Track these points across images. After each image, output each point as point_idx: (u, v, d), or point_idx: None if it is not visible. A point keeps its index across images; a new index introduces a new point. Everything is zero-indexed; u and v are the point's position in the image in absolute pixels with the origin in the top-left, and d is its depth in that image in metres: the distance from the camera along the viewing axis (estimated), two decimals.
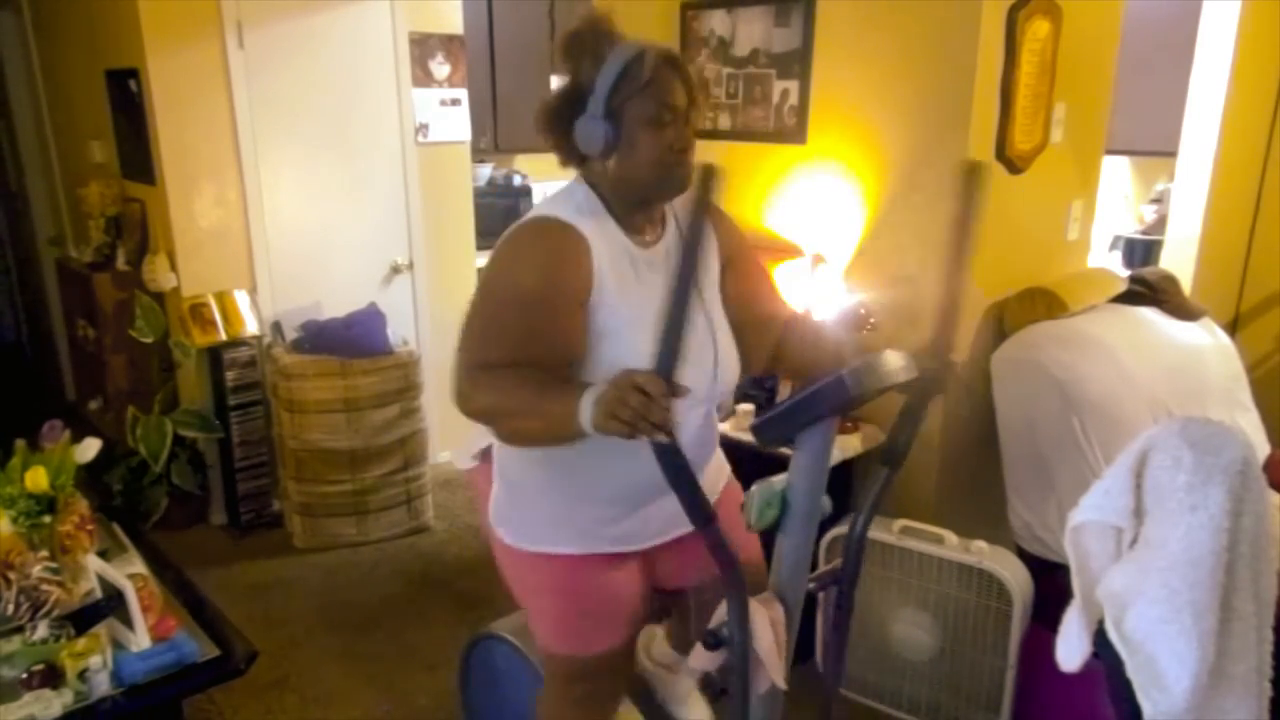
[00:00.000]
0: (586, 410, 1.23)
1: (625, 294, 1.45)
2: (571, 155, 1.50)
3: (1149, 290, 2.82)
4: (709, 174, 1.19)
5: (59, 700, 1.71)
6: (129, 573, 1.95)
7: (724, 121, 2.86)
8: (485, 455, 1.70)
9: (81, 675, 1.75)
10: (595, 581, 1.61)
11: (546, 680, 1.78)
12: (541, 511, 1.59)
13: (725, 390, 1.60)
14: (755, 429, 1.35)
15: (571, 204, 1.48)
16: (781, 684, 1.37)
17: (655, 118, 1.40)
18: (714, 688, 1.86)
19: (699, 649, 1.39)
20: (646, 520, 1.59)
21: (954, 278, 1.40)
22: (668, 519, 1.54)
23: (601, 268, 1.44)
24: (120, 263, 3.74)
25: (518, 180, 4.82)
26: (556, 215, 1.46)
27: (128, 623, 1.85)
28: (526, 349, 1.38)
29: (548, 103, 1.47)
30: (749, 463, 1.81)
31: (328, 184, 3.74)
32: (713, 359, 1.54)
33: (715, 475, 1.71)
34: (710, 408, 1.62)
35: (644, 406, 1.15)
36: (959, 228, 1.35)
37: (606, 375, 1.25)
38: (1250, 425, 2.74)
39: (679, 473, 1.24)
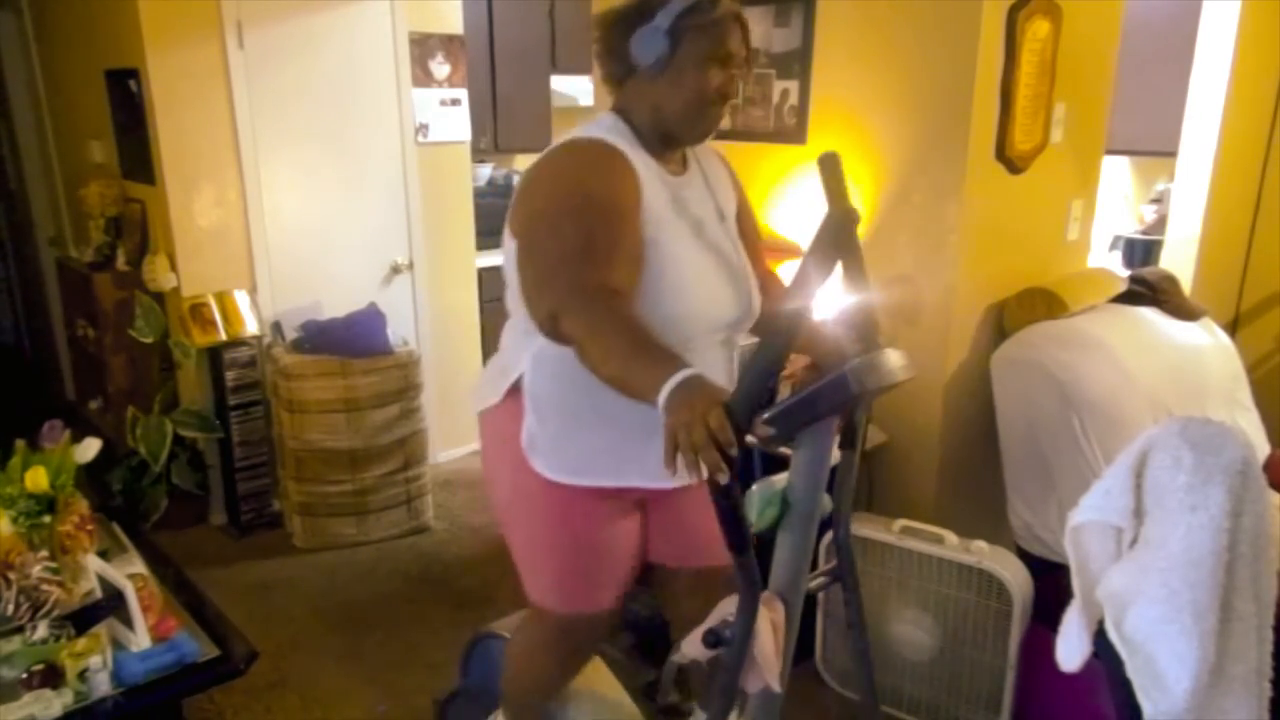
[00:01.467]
0: (666, 397, 1.16)
1: (665, 216, 1.49)
2: (619, 66, 1.52)
3: (1149, 290, 2.82)
4: (830, 161, 1.30)
5: (59, 700, 1.71)
6: (129, 573, 1.95)
7: (724, 121, 2.85)
8: (508, 394, 1.62)
9: (81, 675, 1.75)
10: (612, 527, 1.63)
11: (530, 635, 1.78)
12: (578, 441, 1.57)
13: (749, 318, 1.62)
14: (756, 428, 1.35)
15: (601, 129, 1.51)
16: (776, 687, 1.37)
17: (709, 56, 1.45)
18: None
19: (694, 639, 1.38)
20: None
21: (848, 253, 1.40)
22: None
23: (647, 189, 1.47)
24: (120, 263, 3.74)
25: (517, 180, 4.82)
26: (596, 136, 1.49)
27: (128, 623, 1.85)
28: (608, 251, 1.37)
29: (614, 6, 1.50)
30: (749, 462, 1.81)
31: (328, 184, 3.74)
32: (748, 280, 1.59)
33: None
34: (733, 347, 1.65)
35: (703, 441, 1.09)
36: (833, 213, 1.35)
37: (654, 298, 1.32)
38: (1250, 425, 2.74)
39: (727, 508, 1.21)
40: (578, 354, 1.31)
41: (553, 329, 1.35)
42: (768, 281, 1.72)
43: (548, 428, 1.58)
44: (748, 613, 1.32)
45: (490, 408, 1.65)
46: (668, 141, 1.55)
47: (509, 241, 1.54)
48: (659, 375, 1.17)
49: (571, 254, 1.36)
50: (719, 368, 1.60)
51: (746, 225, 1.70)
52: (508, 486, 1.67)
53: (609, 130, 1.51)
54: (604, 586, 1.67)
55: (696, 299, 1.51)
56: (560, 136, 1.55)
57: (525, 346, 1.56)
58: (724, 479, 1.12)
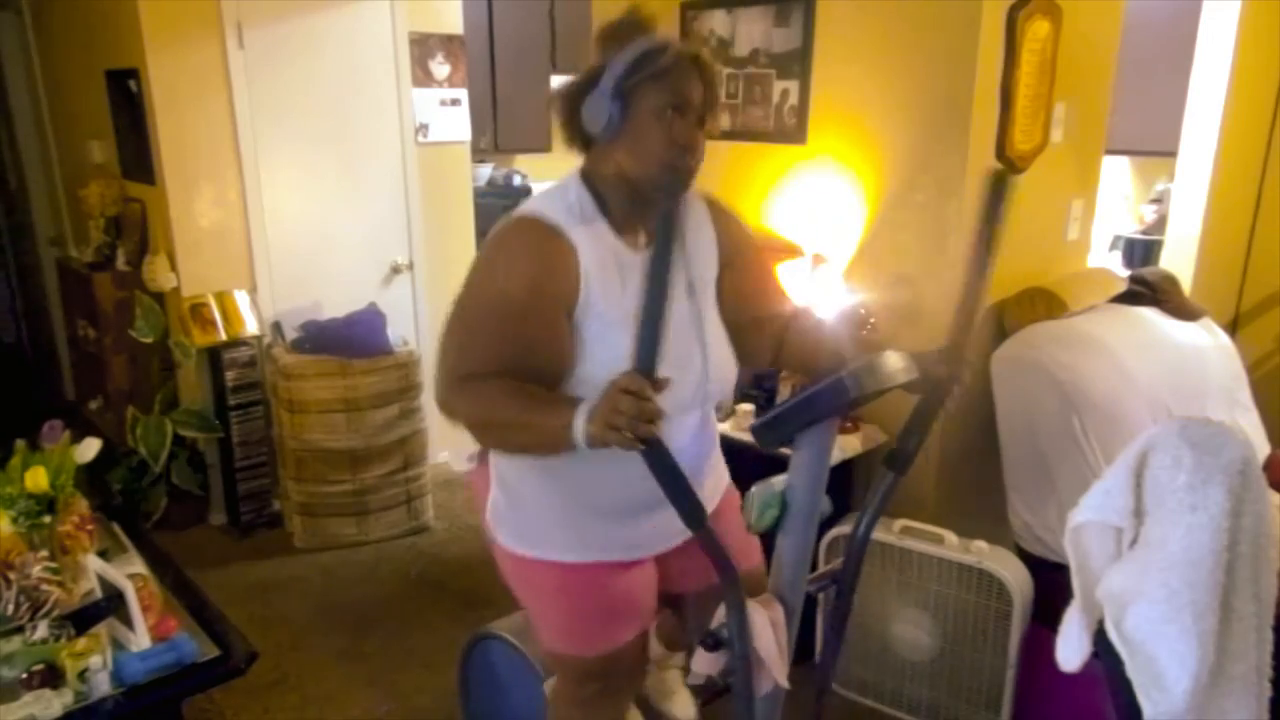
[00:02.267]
0: (580, 425, 1.22)
1: (610, 299, 1.42)
2: (576, 136, 1.46)
3: (1149, 290, 2.82)
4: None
5: (59, 700, 1.70)
6: (129, 573, 1.95)
7: (724, 121, 2.86)
8: (483, 456, 1.69)
9: (81, 675, 1.75)
10: (598, 585, 1.58)
11: (558, 680, 1.76)
12: (540, 518, 1.57)
13: (720, 392, 1.58)
14: (755, 430, 1.35)
15: (563, 203, 1.45)
16: (784, 683, 1.37)
17: (664, 106, 1.37)
18: (713, 688, 1.86)
19: (700, 653, 1.38)
20: (649, 529, 1.56)
21: (973, 285, 1.37)
22: (672, 527, 1.47)
23: (588, 273, 1.40)
24: (120, 263, 3.74)
25: (518, 180, 4.82)
26: (545, 215, 1.42)
27: (128, 623, 1.85)
28: (512, 359, 1.36)
29: (566, 84, 1.46)
30: (749, 463, 1.80)
31: (328, 184, 3.74)
32: (701, 361, 1.51)
33: (716, 481, 1.68)
34: (706, 412, 1.59)
35: (634, 408, 1.15)
36: (982, 236, 1.33)
37: (592, 382, 1.24)
38: (1250, 425, 2.74)
39: (669, 473, 1.24)
40: (482, 439, 1.37)
41: (447, 414, 1.40)
42: (791, 321, 1.63)
43: (511, 501, 1.60)
44: (735, 603, 1.32)
45: (472, 470, 1.70)
46: (637, 206, 1.46)
47: None
48: (561, 420, 1.24)
49: (463, 348, 1.40)
50: (685, 436, 1.52)
51: (747, 263, 1.61)
52: (495, 548, 1.67)
53: (568, 207, 1.44)
54: (608, 630, 1.62)
55: None
56: (523, 204, 1.51)
57: None
58: (655, 437, 1.19)
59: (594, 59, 1.42)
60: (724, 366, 1.55)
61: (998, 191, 1.32)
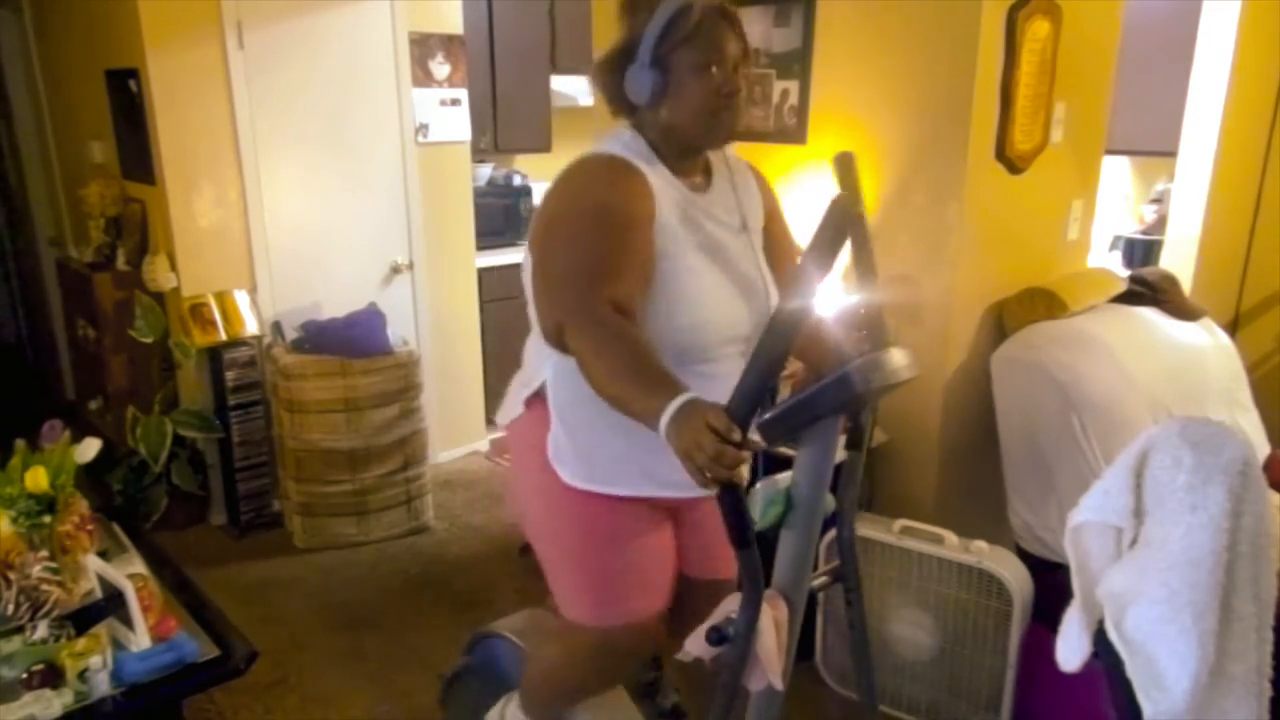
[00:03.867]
0: (665, 424, 1.18)
1: (679, 239, 1.49)
2: (623, 105, 1.54)
3: (1149, 290, 2.82)
4: (846, 160, 1.31)
5: (59, 700, 1.70)
6: (129, 573, 1.95)
7: None
8: (530, 404, 1.63)
9: (81, 675, 1.75)
10: (642, 534, 1.61)
11: (564, 649, 1.75)
12: (607, 449, 1.56)
13: None
14: (760, 426, 1.35)
15: (619, 144, 1.52)
16: (779, 685, 1.37)
17: (702, 64, 1.44)
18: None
19: (697, 637, 1.38)
20: None
21: (865, 256, 1.42)
22: None
23: (662, 205, 1.48)
24: (120, 263, 3.73)
25: (518, 180, 4.82)
26: (616, 152, 1.50)
27: (128, 623, 1.85)
28: (617, 265, 1.38)
29: (603, 53, 1.52)
30: (752, 461, 1.80)
31: (328, 184, 3.74)
32: (764, 289, 1.59)
33: None
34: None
35: (716, 449, 1.11)
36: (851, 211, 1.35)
37: (662, 315, 1.32)
38: (1250, 425, 2.74)
39: (734, 507, 1.22)
40: (581, 369, 1.33)
41: (558, 342, 1.38)
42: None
43: (573, 436, 1.58)
44: (751, 609, 1.32)
45: (516, 419, 1.67)
46: (687, 153, 1.55)
47: (528, 255, 1.55)
48: (657, 402, 1.19)
49: (580, 269, 1.38)
50: (730, 382, 1.56)
51: (777, 234, 1.70)
52: (536, 498, 1.66)
53: (626, 147, 1.52)
54: (636, 597, 1.63)
55: (709, 311, 1.51)
56: (570, 141, 1.56)
57: (547, 356, 1.56)
58: (732, 486, 1.16)
59: (622, 28, 1.50)
60: (772, 304, 1.60)
61: (846, 169, 1.39)
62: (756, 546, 1.28)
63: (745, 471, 1.17)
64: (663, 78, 1.45)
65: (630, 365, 1.28)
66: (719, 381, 1.48)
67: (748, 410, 1.15)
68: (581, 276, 1.37)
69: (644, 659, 1.82)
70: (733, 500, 1.21)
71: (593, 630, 1.65)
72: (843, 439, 1.42)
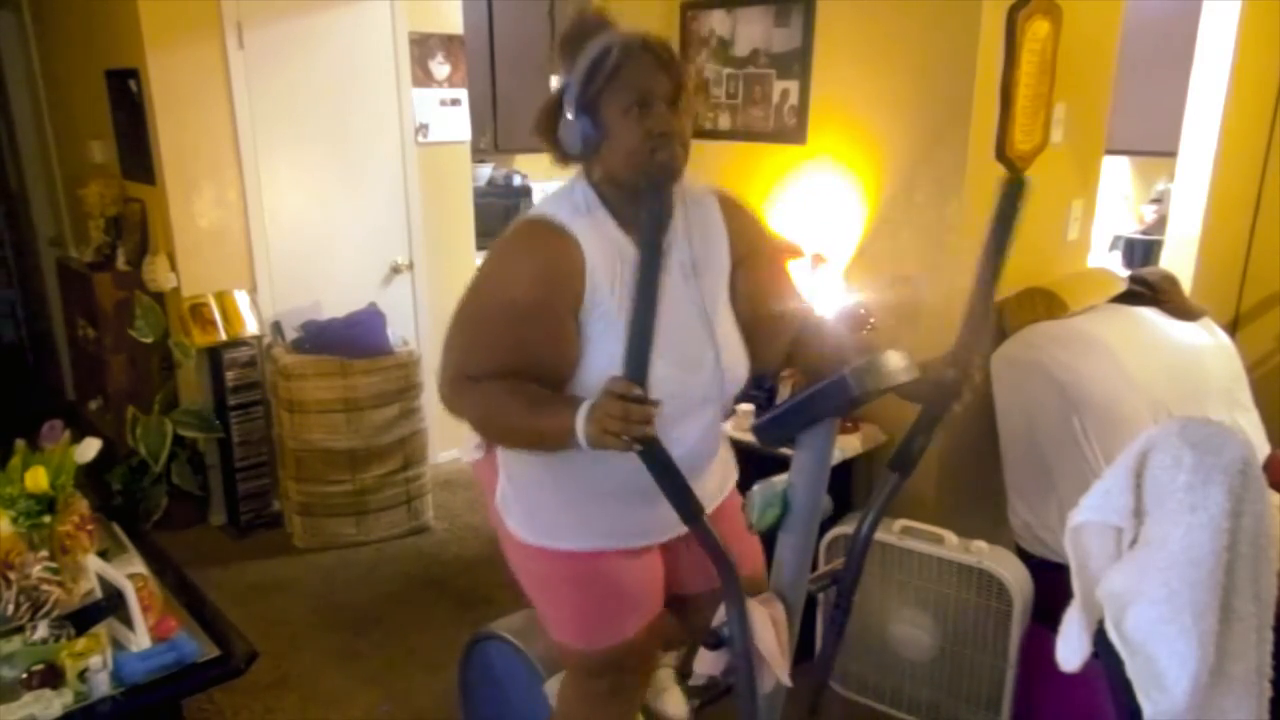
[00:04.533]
0: (581, 427, 1.24)
1: (615, 296, 1.41)
2: (562, 156, 1.48)
3: (1149, 290, 2.82)
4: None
5: (59, 700, 1.70)
6: (129, 573, 1.95)
7: (724, 121, 2.86)
8: (489, 446, 1.66)
9: (81, 675, 1.75)
10: (609, 574, 1.57)
11: (566, 675, 1.75)
12: (547, 506, 1.57)
13: (733, 388, 1.56)
14: (757, 429, 1.35)
15: (569, 203, 1.45)
16: (786, 681, 1.37)
17: (628, 105, 1.36)
18: (715, 689, 1.85)
19: (703, 653, 1.38)
20: (656, 515, 1.51)
21: (984, 289, 1.38)
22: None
23: (594, 269, 1.40)
24: (120, 263, 3.73)
25: (518, 180, 4.82)
26: (552, 216, 1.43)
27: (128, 623, 1.85)
28: (516, 363, 1.38)
29: (542, 105, 1.47)
30: (750, 463, 1.80)
31: (328, 184, 3.74)
32: (714, 359, 1.49)
33: (723, 479, 1.68)
34: (717, 409, 1.59)
35: (624, 410, 1.17)
36: (994, 241, 1.33)
37: (599, 380, 1.23)
38: (1250, 425, 2.74)
39: (664, 470, 1.25)
40: (485, 434, 1.40)
41: (451, 410, 1.42)
42: (804, 322, 1.62)
43: (519, 487, 1.59)
44: (734, 598, 1.32)
45: (477, 461, 1.68)
46: (638, 202, 1.42)
47: None
48: (565, 419, 1.25)
49: (467, 349, 1.42)
50: (695, 430, 1.51)
51: (762, 270, 1.59)
52: (502, 536, 1.67)
53: (574, 207, 1.44)
54: (618, 622, 1.61)
55: (655, 379, 1.29)
56: (534, 207, 1.53)
57: None
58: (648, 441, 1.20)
59: (561, 72, 1.43)
60: (737, 364, 1.54)
61: (1011, 197, 1.31)
62: (704, 518, 1.30)
63: (651, 427, 1.20)
64: (593, 124, 1.38)
65: (524, 403, 1.34)
66: (682, 433, 1.46)
67: (640, 363, 1.17)
68: (467, 353, 1.41)
69: (646, 679, 1.79)
70: (657, 458, 1.24)
71: (578, 653, 1.64)
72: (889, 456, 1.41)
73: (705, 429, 1.54)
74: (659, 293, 1.15)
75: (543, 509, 1.57)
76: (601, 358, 1.40)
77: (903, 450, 1.45)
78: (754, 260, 1.58)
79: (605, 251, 1.42)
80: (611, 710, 1.69)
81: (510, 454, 1.59)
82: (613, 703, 1.68)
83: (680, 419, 1.46)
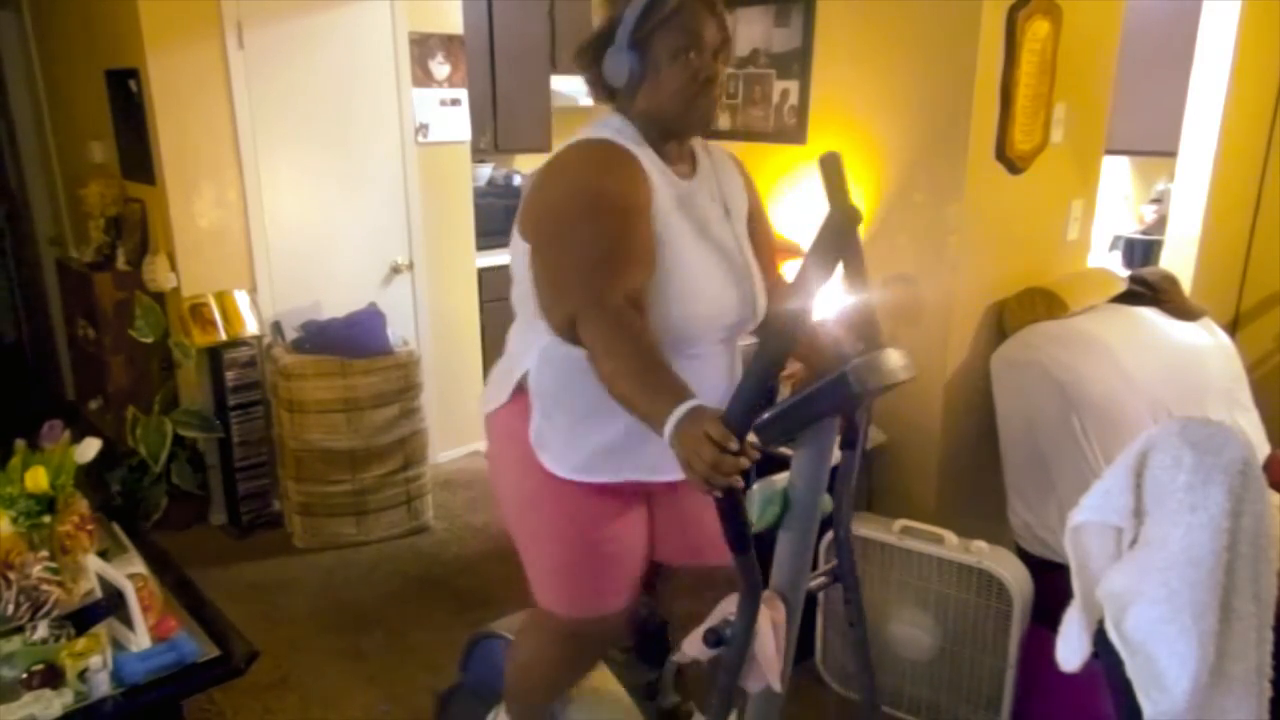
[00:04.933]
0: (669, 434, 1.19)
1: (671, 211, 1.48)
2: (603, 90, 1.54)
3: (1149, 290, 2.82)
4: (832, 161, 1.30)
5: (59, 700, 1.70)
6: (129, 573, 1.95)
7: (724, 121, 2.86)
8: (513, 392, 1.63)
9: (81, 675, 1.75)
10: (620, 524, 1.62)
11: (537, 638, 1.76)
12: (586, 436, 1.56)
13: (757, 317, 1.62)
14: (758, 427, 1.35)
15: (609, 130, 1.51)
16: (777, 687, 1.37)
17: (680, 48, 1.44)
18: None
19: (694, 639, 1.38)
20: None
21: (853, 254, 1.40)
22: None
23: (654, 179, 1.47)
24: (120, 263, 3.73)
25: (517, 180, 4.82)
26: (608, 137, 1.49)
27: (128, 623, 1.85)
28: (625, 255, 1.37)
29: (585, 37, 1.52)
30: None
31: (328, 184, 3.74)
32: (750, 281, 1.57)
33: None
34: (736, 343, 1.65)
35: (716, 461, 1.12)
36: (837, 209, 1.34)
37: (657, 292, 1.34)
38: (1250, 425, 2.74)
39: (733, 512, 1.23)
40: (590, 362, 1.33)
41: (569, 335, 1.37)
42: (776, 286, 1.70)
43: (555, 424, 1.58)
44: (748, 612, 1.32)
45: (497, 408, 1.66)
46: (669, 139, 1.54)
47: (519, 241, 1.53)
48: (662, 408, 1.20)
49: (590, 260, 1.37)
50: (720, 367, 1.60)
51: (758, 229, 1.68)
52: (515, 487, 1.66)
53: (617, 131, 1.51)
54: (612, 588, 1.65)
55: (699, 301, 1.51)
56: (568, 137, 1.55)
57: (531, 344, 1.56)
58: (732, 489, 1.16)
59: (605, 11, 1.49)
60: (761, 294, 1.60)
61: (832, 170, 1.38)
62: (753, 551, 1.28)
63: (736, 480, 1.17)
64: (640, 62, 1.45)
65: (639, 367, 1.28)
66: (706, 363, 1.53)
67: (745, 417, 1.15)
68: (593, 268, 1.36)
69: (610, 648, 1.83)
70: (731, 505, 1.22)
71: (563, 620, 1.67)
72: (838, 439, 1.42)
73: (728, 361, 1.62)
74: (786, 351, 1.20)
75: (579, 439, 1.57)
76: (662, 283, 1.44)
77: (846, 429, 1.47)
78: (755, 218, 1.68)
79: (658, 176, 1.49)
80: (576, 669, 1.79)
81: (553, 387, 1.56)
82: (576, 667, 1.78)
83: (711, 344, 1.55)
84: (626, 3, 1.44)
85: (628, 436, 1.52)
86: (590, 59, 1.51)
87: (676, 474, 1.19)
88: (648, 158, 1.49)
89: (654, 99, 1.47)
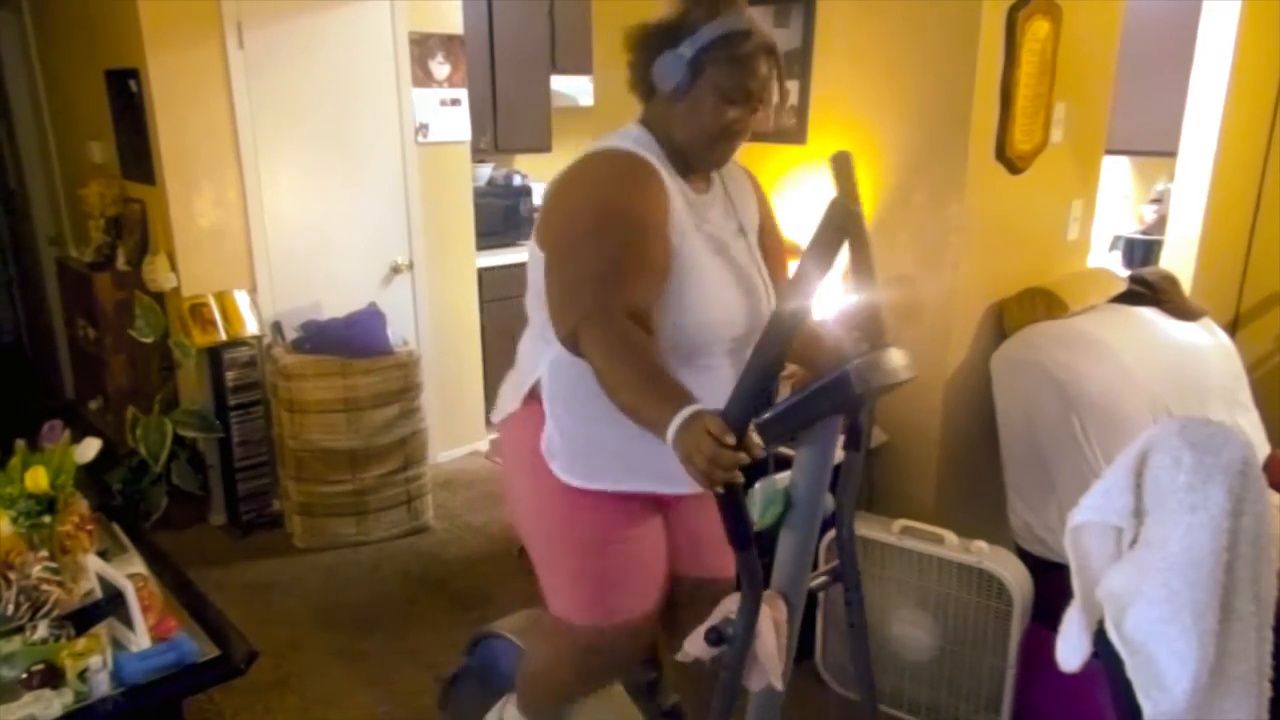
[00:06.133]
0: (672, 436, 1.19)
1: (688, 225, 1.49)
2: (641, 84, 1.53)
3: (1149, 290, 2.82)
4: (843, 160, 1.30)
5: (59, 700, 1.70)
6: (129, 573, 1.95)
7: None
8: (525, 401, 1.64)
9: (81, 675, 1.75)
10: (635, 532, 1.62)
11: (555, 647, 1.74)
12: (599, 445, 1.56)
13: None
14: (760, 426, 1.35)
15: (630, 141, 1.51)
16: (779, 686, 1.37)
17: (729, 90, 1.44)
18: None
19: (696, 637, 1.38)
20: None
21: (861, 250, 1.42)
22: None
23: (672, 194, 1.48)
24: (120, 263, 3.74)
25: (518, 180, 4.82)
26: (628, 148, 1.49)
27: (128, 623, 1.85)
28: (635, 269, 1.38)
29: (647, 24, 1.50)
30: (750, 462, 1.80)
31: (328, 184, 3.74)
32: (763, 292, 1.60)
33: None
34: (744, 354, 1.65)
35: (714, 456, 1.13)
36: (843, 197, 1.35)
37: (670, 302, 1.35)
38: (1250, 425, 2.74)
39: (733, 508, 1.23)
40: (594, 374, 1.34)
41: (572, 345, 1.37)
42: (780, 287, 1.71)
43: (568, 432, 1.58)
44: (750, 611, 1.32)
45: (509, 416, 1.66)
46: (686, 159, 1.54)
47: (535, 250, 1.53)
48: (664, 414, 1.20)
49: (598, 272, 1.37)
50: (728, 379, 1.57)
51: (769, 241, 1.69)
52: (528, 495, 1.66)
53: (637, 143, 1.51)
54: (629, 594, 1.64)
55: (711, 312, 1.52)
56: (568, 138, 1.55)
57: (543, 353, 1.57)
58: (732, 486, 1.17)
59: (675, 7, 1.47)
60: (767, 306, 1.61)
61: (843, 168, 1.36)
62: (755, 549, 1.28)
63: (736, 476, 1.17)
64: (689, 81, 1.44)
65: (641, 376, 1.28)
66: (715, 374, 1.53)
67: (743, 413, 1.16)
68: (599, 281, 1.36)
69: (635, 661, 1.81)
70: (732, 502, 1.22)
71: (583, 629, 1.65)
72: (841, 439, 1.42)
73: (733, 370, 1.61)
74: (784, 352, 1.21)
75: (595, 447, 1.57)
76: (675, 295, 1.46)
77: (850, 429, 1.48)
78: (766, 230, 1.70)
79: (675, 191, 1.50)
80: (592, 682, 1.76)
81: (564, 395, 1.57)
82: (598, 679, 1.76)
83: (718, 354, 1.56)
84: (703, 15, 1.43)
85: (637, 445, 1.51)
86: (644, 50, 1.49)
87: (687, 485, 1.20)
88: (665, 171, 1.50)
89: (680, 123, 1.49)
